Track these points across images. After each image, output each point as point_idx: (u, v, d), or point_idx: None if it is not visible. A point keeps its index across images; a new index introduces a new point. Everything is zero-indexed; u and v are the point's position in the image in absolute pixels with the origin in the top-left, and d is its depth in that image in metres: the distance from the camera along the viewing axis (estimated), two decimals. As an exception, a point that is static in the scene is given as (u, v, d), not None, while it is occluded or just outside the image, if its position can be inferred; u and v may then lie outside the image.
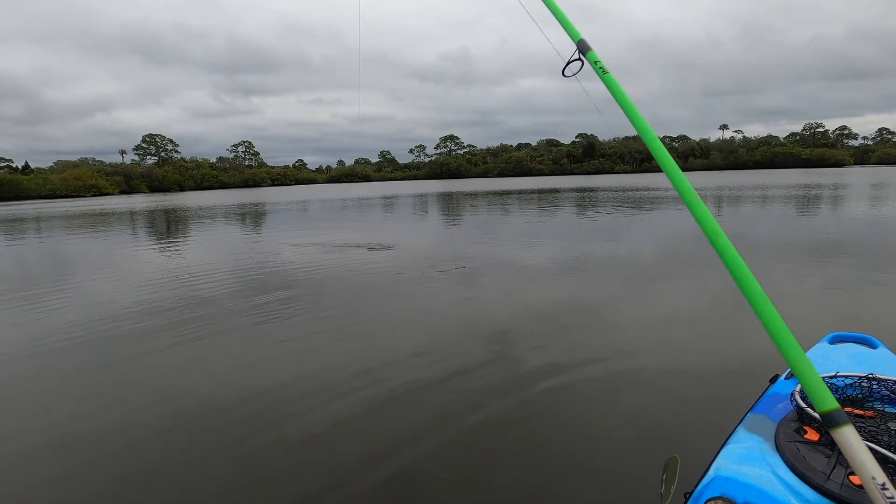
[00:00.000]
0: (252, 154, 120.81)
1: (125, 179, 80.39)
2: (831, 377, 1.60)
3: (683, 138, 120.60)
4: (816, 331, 2.45)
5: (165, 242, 13.45)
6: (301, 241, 11.92)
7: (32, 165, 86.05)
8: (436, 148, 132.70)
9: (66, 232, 18.03)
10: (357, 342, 4.51)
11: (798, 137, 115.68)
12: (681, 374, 3.44)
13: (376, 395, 3.34)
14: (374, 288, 6.62)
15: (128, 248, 12.51)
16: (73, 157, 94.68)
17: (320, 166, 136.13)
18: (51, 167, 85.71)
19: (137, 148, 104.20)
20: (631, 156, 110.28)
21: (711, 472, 1.33)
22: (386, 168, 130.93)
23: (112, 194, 71.34)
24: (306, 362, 4.05)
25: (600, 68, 1.37)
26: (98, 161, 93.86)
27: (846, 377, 1.59)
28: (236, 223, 19.02)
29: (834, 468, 1.24)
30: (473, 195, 32.94)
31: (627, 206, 19.12)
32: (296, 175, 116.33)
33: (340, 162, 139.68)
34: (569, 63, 1.47)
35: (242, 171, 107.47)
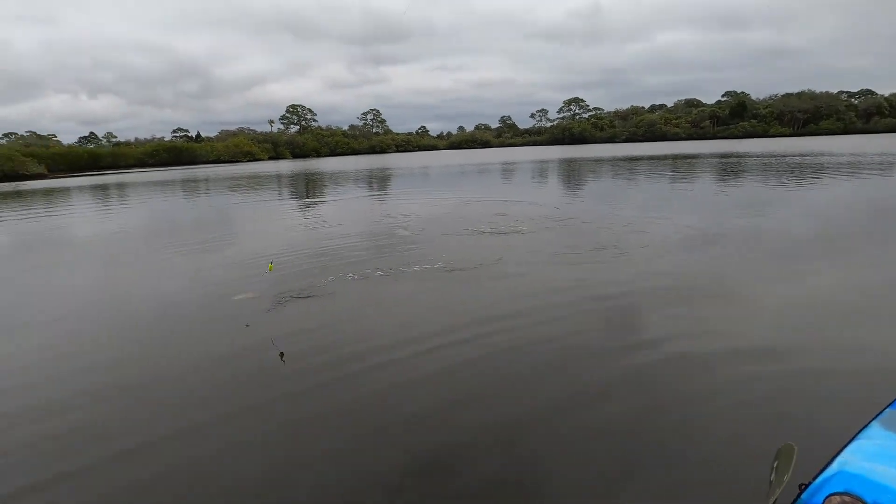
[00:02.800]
0: (379, 122, 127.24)
1: (273, 146, 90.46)
2: None
3: (866, 93, 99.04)
4: None
5: (310, 201, 15.03)
6: (426, 201, 12.46)
7: (203, 135, 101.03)
8: (558, 112, 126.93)
9: (233, 191, 20.98)
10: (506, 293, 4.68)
11: None
12: (810, 361, 3.15)
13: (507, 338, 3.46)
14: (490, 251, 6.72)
15: (281, 207, 14.21)
16: (233, 127, 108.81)
17: (441, 133, 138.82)
18: (216, 136, 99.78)
19: (283, 117, 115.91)
20: (792, 116, 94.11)
21: (835, 467, 1.24)
22: (506, 133, 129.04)
23: (262, 160, 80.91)
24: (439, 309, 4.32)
25: None
26: (251, 130, 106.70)
27: None
28: (375, 186, 20.45)
29: None
30: (597, 161, 31.10)
31: (782, 175, 16.53)
32: (418, 142, 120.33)
33: (461, 128, 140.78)
34: None
35: (370, 137, 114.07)
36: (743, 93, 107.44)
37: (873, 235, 6.81)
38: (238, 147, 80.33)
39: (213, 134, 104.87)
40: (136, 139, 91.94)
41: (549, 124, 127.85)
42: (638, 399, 2.80)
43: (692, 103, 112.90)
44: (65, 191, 27.00)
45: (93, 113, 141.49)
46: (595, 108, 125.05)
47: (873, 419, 1.44)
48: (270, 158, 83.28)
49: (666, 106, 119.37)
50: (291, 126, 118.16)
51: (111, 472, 2.45)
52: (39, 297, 5.85)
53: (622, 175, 20.40)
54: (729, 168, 21.23)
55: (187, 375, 3.47)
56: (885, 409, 1.50)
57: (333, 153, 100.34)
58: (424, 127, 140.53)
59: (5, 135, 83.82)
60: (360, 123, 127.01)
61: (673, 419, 2.55)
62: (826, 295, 4.54)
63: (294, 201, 15.89)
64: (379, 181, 23.75)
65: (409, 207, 12.08)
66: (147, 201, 18.39)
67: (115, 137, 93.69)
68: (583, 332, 3.80)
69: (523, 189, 16.35)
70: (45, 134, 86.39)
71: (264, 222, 11.20)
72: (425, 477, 2.24)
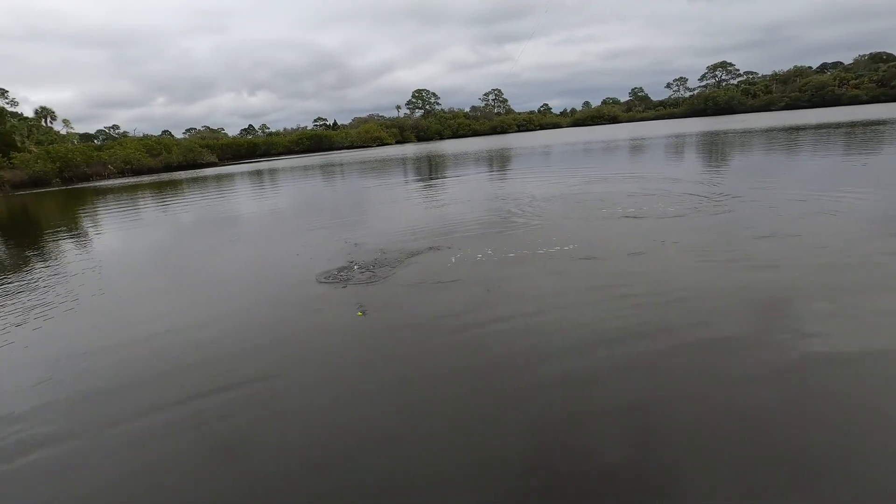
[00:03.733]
0: (501, 101, 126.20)
1: (399, 131, 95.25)
2: None
3: None
4: None
5: (432, 183, 15.64)
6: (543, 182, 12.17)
7: (339, 122, 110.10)
8: (700, 80, 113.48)
9: (369, 174, 22.68)
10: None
11: None
12: None
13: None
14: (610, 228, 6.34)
15: (406, 188, 15.02)
16: (364, 114, 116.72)
17: (564, 110, 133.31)
18: (350, 123, 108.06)
19: (408, 102, 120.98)
20: None
21: None
22: (637, 107, 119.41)
23: (390, 144, 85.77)
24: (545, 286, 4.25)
25: None
26: (380, 116, 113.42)
27: None
28: (495, 166, 20.58)
29: None
30: (746, 133, 27.24)
31: None
32: (540, 120, 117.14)
33: (586, 103, 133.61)
34: None
35: (491, 118, 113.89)
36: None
37: None
38: (368, 133, 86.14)
39: (347, 121, 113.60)
40: (285, 129, 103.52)
41: (688, 94, 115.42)
42: (773, 402, 2.50)
43: (879, 58, 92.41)
44: (230, 176, 31.58)
45: (252, 107, 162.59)
46: (747, 73, 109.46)
47: None
48: (397, 142, 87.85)
49: (842, 64, 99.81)
50: (417, 110, 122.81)
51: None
52: (214, 265, 7.00)
53: (780, 148, 17.61)
54: (930, 136, 17.09)
55: (310, 333, 3.89)
56: None
57: (455, 135, 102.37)
58: (547, 104, 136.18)
59: (187, 130, 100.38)
60: (483, 104, 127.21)
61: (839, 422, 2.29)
62: None
63: (418, 183, 16.60)
64: (499, 161, 23.70)
65: (529, 188, 11.88)
66: (294, 184, 20.70)
67: (268, 128, 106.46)
68: (730, 338, 3.41)
69: (655, 167, 15.03)
70: (216, 128, 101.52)
71: (392, 204, 11.90)
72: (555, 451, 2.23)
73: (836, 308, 3.60)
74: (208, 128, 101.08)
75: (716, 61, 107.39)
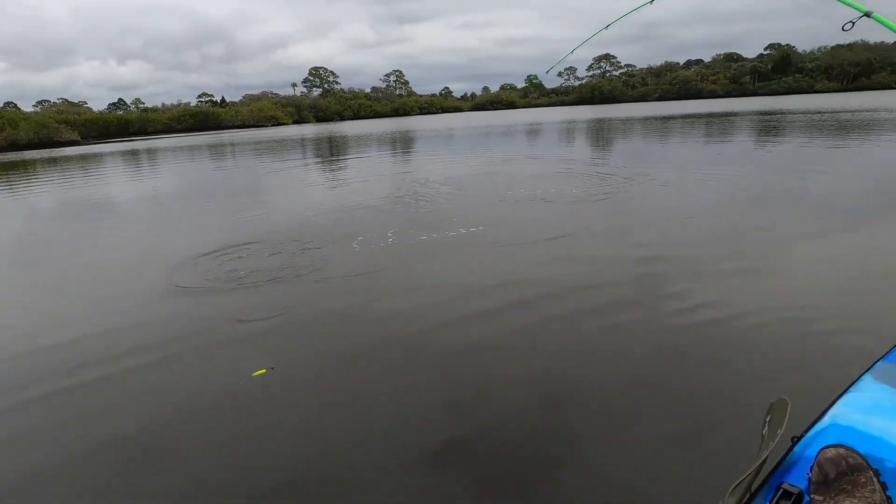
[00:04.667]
0: (402, 83, 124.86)
1: (296, 110, 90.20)
2: None
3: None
4: None
5: (334, 165, 15.02)
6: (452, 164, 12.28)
7: (227, 99, 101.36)
8: (588, 70, 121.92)
9: (265, 156, 21.13)
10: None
11: None
12: (810, 320, 3.16)
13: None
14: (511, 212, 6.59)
15: (306, 171, 14.25)
16: (256, 91, 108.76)
17: (465, 94, 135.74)
18: (241, 100, 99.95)
19: (305, 80, 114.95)
20: (841, 70, 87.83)
21: (827, 419, 1.28)
22: (532, 94, 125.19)
23: (286, 124, 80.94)
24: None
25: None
26: (275, 94, 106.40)
27: None
28: (399, 148, 20.28)
29: None
30: (629, 121, 29.92)
31: (827, 133, 15.56)
32: (442, 103, 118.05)
33: (485, 89, 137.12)
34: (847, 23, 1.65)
35: (393, 100, 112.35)
36: (788, 45, 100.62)
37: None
38: (262, 111, 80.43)
39: (237, 98, 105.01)
40: (164, 105, 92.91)
41: (577, 83, 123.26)
42: (659, 357, 2.84)
43: (732, 58, 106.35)
44: (98, 157, 27.71)
45: (122, 79, 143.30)
46: (627, 65, 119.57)
47: (865, 373, 1.47)
48: (294, 122, 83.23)
49: (703, 61, 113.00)
50: (314, 89, 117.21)
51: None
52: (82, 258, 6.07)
53: (656, 134, 19.59)
54: (770, 126, 20.12)
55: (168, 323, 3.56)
56: (876, 362, 1.53)
57: (356, 116, 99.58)
58: (448, 88, 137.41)
59: (39, 102, 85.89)
60: (383, 85, 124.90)
61: (684, 374, 2.66)
62: (843, 257, 4.42)
63: (319, 166, 15.90)
64: (403, 143, 23.50)
65: (435, 170, 11.92)
66: (176, 166, 18.72)
67: (143, 103, 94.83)
68: (613, 299, 3.71)
69: (553, 150, 15.90)
70: (76, 101, 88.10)
71: (290, 187, 11.25)
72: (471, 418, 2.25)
73: (717, 271, 4.10)
74: (66, 101, 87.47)
75: (601, 53, 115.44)
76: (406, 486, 1.96)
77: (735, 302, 3.47)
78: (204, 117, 74.96)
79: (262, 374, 2.83)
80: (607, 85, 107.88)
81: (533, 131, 26.72)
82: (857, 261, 4.30)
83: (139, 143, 42.23)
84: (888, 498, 1.00)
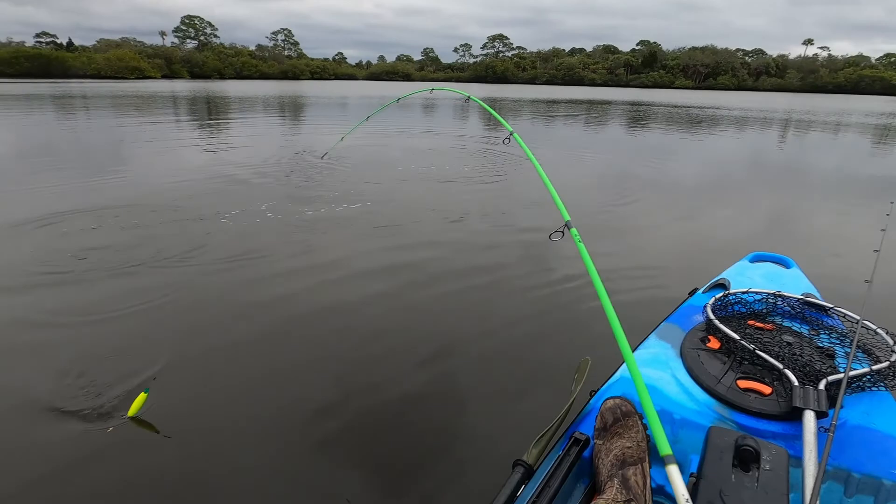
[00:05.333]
0: (291, 44, 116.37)
1: (166, 63, 79.58)
2: (743, 292, 1.75)
3: (758, 53, 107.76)
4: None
5: (214, 129, 13.64)
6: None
7: (77, 43, 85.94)
8: (482, 48, 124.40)
9: (127, 114, 18.40)
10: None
11: (894, 59, 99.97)
12: (623, 289, 3.57)
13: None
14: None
15: (181, 134, 12.75)
16: (115, 37, 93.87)
17: (360, 61, 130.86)
18: (94, 45, 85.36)
19: (177, 30, 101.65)
20: (695, 70, 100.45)
21: (617, 374, 1.47)
22: (428, 67, 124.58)
23: (154, 78, 71.20)
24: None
25: (579, 240, 1.87)
26: (139, 42, 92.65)
27: (756, 293, 1.75)
28: (293, 115, 18.93)
29: (726, 373, 1.36)
30: (518, 102, 31.32)
31: (681, 125, 17.85)
32: (335, 69, 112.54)
33: (381, 58, 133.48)
34: (555, 233, 2.05)
35: (282, 61, 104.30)
36: (655, 43, 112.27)
37: (738, 184, 7.71)
38: (122, 61, 69.84)
39: (90, 43, 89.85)
40: (-13, 42, 76.33)
41: (472, 60, 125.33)
42: (511, 327, 3.06)
43: (609, 49, 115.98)
44: None
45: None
46: (518, 47, 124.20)
47: (651, 332, 1.70)
48: (164, 77, 73.67)
49: (585, 50, 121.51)
50: (188, 41, 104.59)
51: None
52: None
53: (542, 116, 20.79)
54: (638, 116, 22.46)
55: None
56: (660, 322, 1.77)
57: (239, 76, 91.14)
58: (342, 54, 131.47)
59: None
60: (270, 44, 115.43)
61: (512, 340, 2.91)
62: (668, 232, 5.14)
63: (193, 128, 14.37)
64: (292, 109, 22.08)
65: (326, 141, 11.45)
66: (8, 119, 15.61)
67: (-43, 38, 76.80)
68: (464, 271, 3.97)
69: (448, 127, 16.12)
70: None
71: (157, 152, 10.04)
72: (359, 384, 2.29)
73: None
74: None
75: (495, 33, 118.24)
76: (295, 473, 1.95)
77: (572, 271, 3.87)
78: (46, 62, 63.08)
79: (141, 406, 2.11)
80: (500, 65, 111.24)
81: (428, 106, 26.77)
82: (679, 236, 5.03)
83: (-47, 88, 34.35)
84: (647, 437, 1.17)
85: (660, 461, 1.16)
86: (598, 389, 1.45)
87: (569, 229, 2.01)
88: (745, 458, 1.02)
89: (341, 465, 1.95)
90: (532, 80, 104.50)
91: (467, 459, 1.96)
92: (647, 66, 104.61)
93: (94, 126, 14.20)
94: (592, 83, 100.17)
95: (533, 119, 20.00)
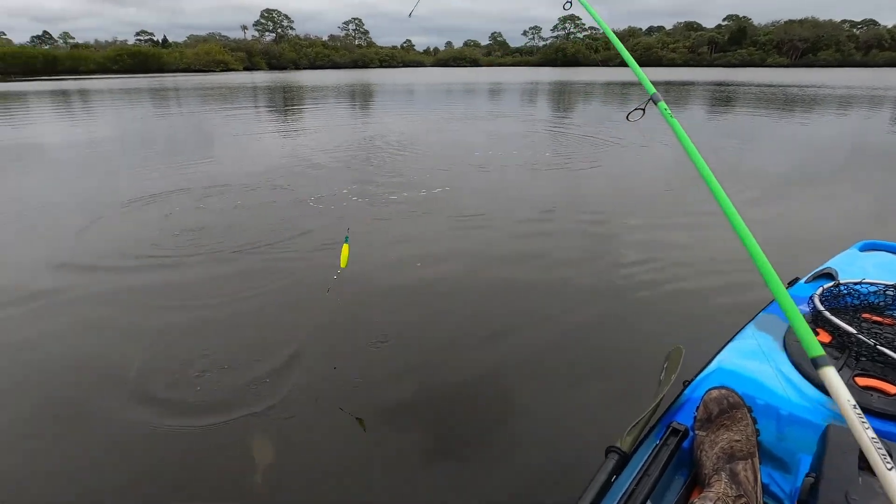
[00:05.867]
0: (361, 32, 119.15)
1: (247, 56, 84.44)
2: (856, 283, 1.63)
3: (869, 23, 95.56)
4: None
5: (291, 116, 14.32)
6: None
7: (170, 40, 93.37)
8: (552, 30, 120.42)
9: (213, 104, 19.80)
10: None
11: None
12: (697, 275, 3.48)
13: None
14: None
15: (261, 122, 13.51)
16: (203, 32, 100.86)
17: (428, 48, 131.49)
18: (185, 41, 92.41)
19: (256, 23, 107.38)
20: (791, 45, 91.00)
21: (713, 365, 1.40)
22: (496, 52, 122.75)
23: (237, 70, 75.83)
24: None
25: (669, 115, 1.60)
26: (224, 36, 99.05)
27: (871, 284, 1.62)
28: (365, 103, 19.49)
29: (841, 369, 1.26)
30: (590, 86, 30.02)
31: (774, 107, 16.25)
32: (403, 57, 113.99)
33: (448, 44, 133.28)
34: (635, 110, 1.73)
35: (352, 50, 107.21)
36: (745, 17, 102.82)
37: (838, 174, 6.88)
38: (210, 55, 74.94)
39: (181, 39, 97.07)
40: (97, 41, 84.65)
41: (541, 43, 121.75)
42: (592, 316, 3.01)
43: (691, 27, 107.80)
44: (20, 96, 25.14)
45: (47, 9, 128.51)
46: (591, 28, 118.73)
47: (748, 322, 1.61)
48: (245, 69, 78.18)
49: (664, 28, 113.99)
50: (267, 34, 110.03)
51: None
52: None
53: (618, 100, 19.81)
54: (723, 97, 20.77)
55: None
56: (758, 313, 1.68)
57: (313, 66, 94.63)
58: (410, 41, 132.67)
59: (-53, 30, 75.97)
60: (342, 34, 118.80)
61: (602, 323, 2.93)
62: (759, 221, 4.66)
63: (273, 117, 15.13)
64: (362, 97, 22.64)
65: (397, 126, 11.62)
66: (115, 111, 17.29)
67: (73, 39, 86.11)
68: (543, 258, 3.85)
69: (518, 110, 15.80)
70: (-8, 31, 78.54)
71: (242, 139, 10.67)
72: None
73: (649, 235, 4.30)
74: (-20, 30, 77.87)
75: (566, 14, 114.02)
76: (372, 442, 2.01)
77: (661, 262, 3.70)
78: (144, 58, 69.00)
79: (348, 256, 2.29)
80: (571, 47, 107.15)
81: (495, 91, 26.38)
82: (772, 224, 4.59)
83: (69, 84, 38.55)
84: (757, 430, 1.13)
85: (763, 458, 1.13)
86: (692, 379, 1.39)
87: (655, 103, 1.72)
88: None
89: (436, 446, 2.01)
90: (605, 63, 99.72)
91: (549, 441, 2.00)
92: (735, 42, 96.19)
93: (186, 115, 15.38)
94: (672, 63, 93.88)
95: (606, 102, 19.09)
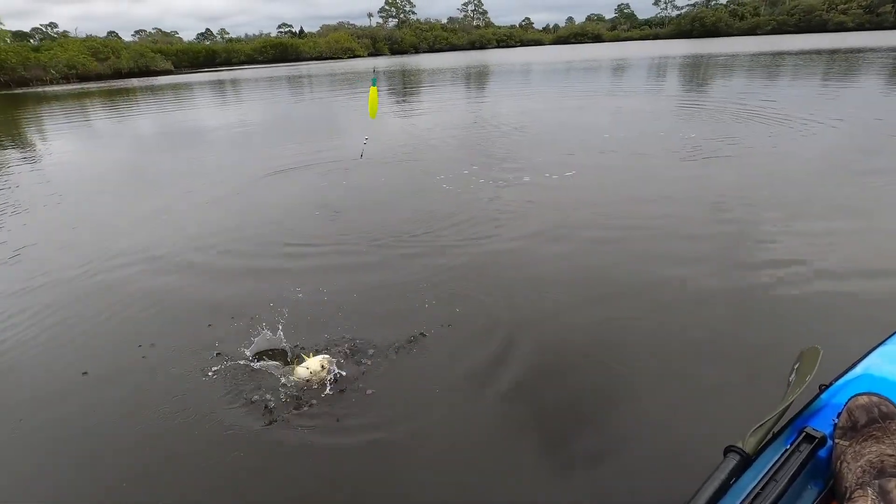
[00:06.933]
0: (480, 13, 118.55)
1: (372, 42, 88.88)
2: None
3: None
4: None
5: (410, 99, 14.89)
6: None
7: (306, 30, 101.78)
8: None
9: (340, 89, 21.34)
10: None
11: None
12: (841, 274, 3.13)
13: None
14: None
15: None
16: (333, 22, 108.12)
17: (547, 25, 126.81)
18: (319, 31, 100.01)
19: (381, 10, 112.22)
20: None
21: (859, 370, 1.28)
22: (622, 25, 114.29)
23: (361, 56, 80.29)
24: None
25: None
26: (351, 24, 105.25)
27: None
28: (481, 86, 19.65)
29: None
30: (731, 58, 26.55)
31: None
32: (521, 36, 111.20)
33: (570, 19, 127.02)
34: None
35: (470, 31, 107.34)
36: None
37: None
38: (338, 43, 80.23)
39: (315, 29, 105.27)
40: (246, 35, 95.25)
41: (676, 13, 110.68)
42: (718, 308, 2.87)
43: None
44: (189, 86, 29.30)
45: (209, 9, 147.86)
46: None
47: None
48: (370, 55, 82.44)
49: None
50: (390, 19, 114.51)
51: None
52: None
53: (764, 73, 17.29)
54: (909, 66, 17.04)
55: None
56: None
57: (432, 49, 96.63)
58: (528, 19, 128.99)
59: (136, 32, 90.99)
60: (461, 15, 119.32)
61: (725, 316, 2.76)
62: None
63: (393, 100, 15.79)
64: (477, 79, 22.61)
65: (529, 108, 11.43)
66: (260, 98, 19.39)
67: (228, 34, 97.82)
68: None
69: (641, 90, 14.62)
70: (169, 31, 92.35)
71: (370, 122, 11.32)
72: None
73: (788, 227, 3.74)
74: (160, 31, 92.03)
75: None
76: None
77: (806, 258, 3.35)
78: (284, 49, 76.00)
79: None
80: (710, 15, 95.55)
81: (618, 67, 24.60)
82: None
83: (224, 74, 44.00)
84: None
85: None
86: (831, 384, 1.27)
87: None
88: None
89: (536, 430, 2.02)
90: (753, 31, 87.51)
91: (663, 436, 1.94)
92: (933, -3, 77.96)
93: (315, 99, 16.71)
94: (841, 27, 79.17)
95: (751, 77, 16.77)
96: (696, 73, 19.58)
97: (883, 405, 1.04)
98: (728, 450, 1.08)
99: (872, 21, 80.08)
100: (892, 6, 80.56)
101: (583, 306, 2.91)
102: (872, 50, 26.40)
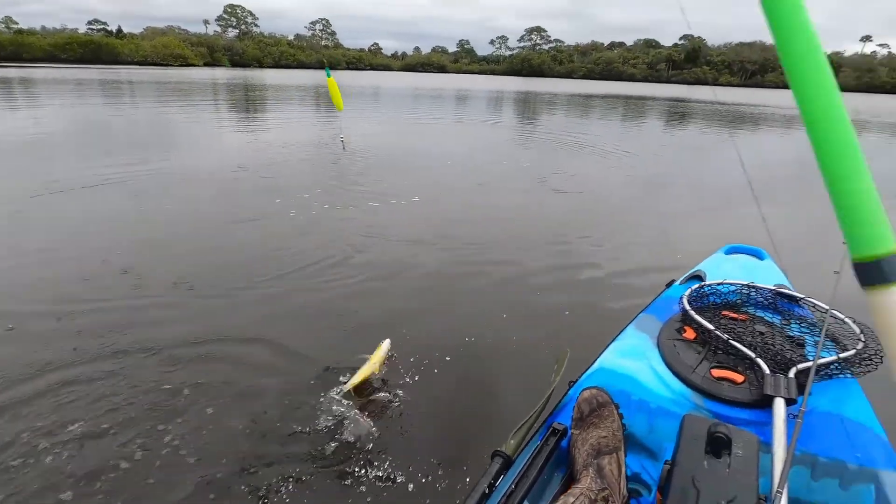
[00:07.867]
0: (329, 34, 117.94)
1: (209, 51, 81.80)
2: (718, 284, 1.78)
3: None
4: None
5: (253, 119, 13.92)
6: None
7: (125, 30, 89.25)
8: (519, 41, 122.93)
9: (171, 100, 19.00)
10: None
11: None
12: (596, 282, 3.64)
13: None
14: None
15: (219, 121, 13.06)
16: (161, 24, 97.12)
17: (395, 52, 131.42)
18: (141, 33, 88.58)
19: (219, 18, 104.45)
20: (741, 67, 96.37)
21: (596, 365, 1.47)
22: (463, 59, 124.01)
23: (196, 66, 73.28)
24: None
25: None
26: (183, 30, 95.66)
27: (730, 284, 1.77)
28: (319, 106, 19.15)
29: (700, 363, 1.38)
30: (554, 96, 30.72)
31: (723, 124, 17.13)
32: (371, 60, 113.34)
33: (416, 49, 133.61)
34: None
35: (319, 50, 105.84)
36: (699, 38, 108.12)
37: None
38: (168, 48, 72.27)
39: (137, 30, 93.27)
40: (43, 28, 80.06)
41: (508, 53, 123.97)
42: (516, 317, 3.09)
43: (651, 44, 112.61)
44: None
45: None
46: (556, 40, 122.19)
47: (629, 323, 1.71)
48: (206, 65, 75.81)
49: (625, 44, 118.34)
50: (230, 29, 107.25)
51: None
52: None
53: (578, 112, 20.35)
54: (680, 113, 21.71)
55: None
56: (638, 313, 1.77)
57: (277, 64, 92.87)
58: (377, 44, 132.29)
59: None
60: (309, 34, 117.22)
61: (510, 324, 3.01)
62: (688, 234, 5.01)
63: (234, 117, 14.71)
64: (327, 98, 22.32)
65: (369, 131, 11.51)
66: (60, 102, 16.34)
67: (17, 24, 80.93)
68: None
69: (481, 116, 15.95)
70: (-76, 11, 72.85)
71: (202, 138, 10.31)
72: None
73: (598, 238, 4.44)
74: None
75: (532, 25, 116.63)
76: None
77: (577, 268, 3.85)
78: (96, 48, 65.72)
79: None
80: (536, 58, 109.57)
81: (462, 97, 26.61)
82: (663, 229, 4.96)
83: (11, 71, 36.24)
84: (624, 426, 1.19)
85: (636, 449, 1.25)
86: (577, 380, 1.45)
87: None
88: (718, 445, 1.03)
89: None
90: (569, 74, 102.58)
91: (443, 450, 1.97)
92: (690, 61, 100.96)
93: (141, 111, 14.71)
94: (632, 78, 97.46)
95: (568, 113, 19.59)
96: (527, 107, 22.18)
97: (599, 396, 1.21)
98: (494, 454, 1.16)
99: (653, 75, 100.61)
100: (666, 64, 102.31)
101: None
102: (653, 98, 33.12)
